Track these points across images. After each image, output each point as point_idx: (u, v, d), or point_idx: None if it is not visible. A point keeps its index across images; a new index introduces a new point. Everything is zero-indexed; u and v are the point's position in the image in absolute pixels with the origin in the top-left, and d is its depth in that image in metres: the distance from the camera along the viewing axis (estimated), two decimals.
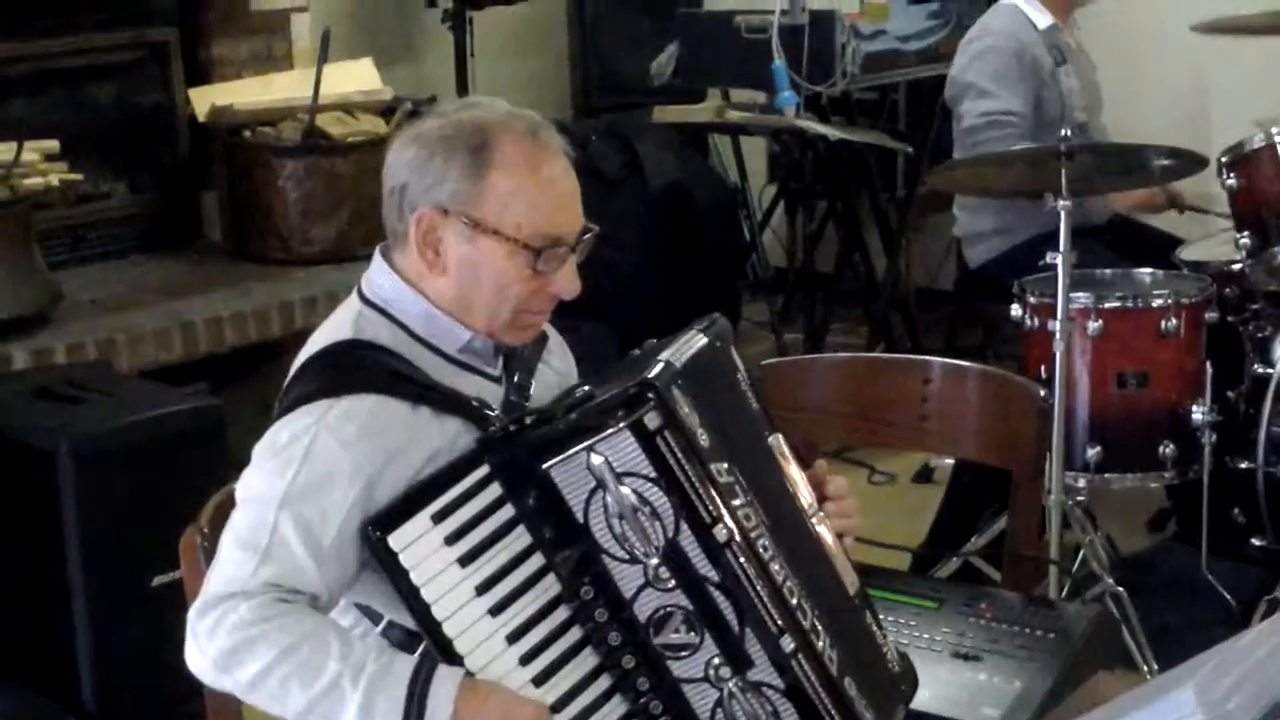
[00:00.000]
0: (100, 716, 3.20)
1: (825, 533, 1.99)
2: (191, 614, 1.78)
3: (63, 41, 4.41)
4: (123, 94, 4.63)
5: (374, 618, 1.85)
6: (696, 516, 1.76)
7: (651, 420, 1.73)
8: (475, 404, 1.87)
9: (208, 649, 1.76)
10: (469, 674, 1.76)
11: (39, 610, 3.24)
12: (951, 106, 4.20)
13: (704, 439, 1.78)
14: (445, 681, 1.73)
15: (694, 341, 1.90)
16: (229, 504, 1.87)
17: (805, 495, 1.99)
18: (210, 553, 1.86)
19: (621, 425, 1.73)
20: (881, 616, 2.05)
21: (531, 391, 1.96)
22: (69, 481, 3.13)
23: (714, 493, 1.76)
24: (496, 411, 1.88)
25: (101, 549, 3.16)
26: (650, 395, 1.74)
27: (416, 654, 1.78)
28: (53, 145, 3.94)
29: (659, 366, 1.78)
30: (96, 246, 4.51)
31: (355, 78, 4.68)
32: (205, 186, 4.73)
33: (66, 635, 3.18)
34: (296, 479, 1.78)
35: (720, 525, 1.76)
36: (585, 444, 1.74)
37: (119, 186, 4.62)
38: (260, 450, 1.84)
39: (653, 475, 1.74)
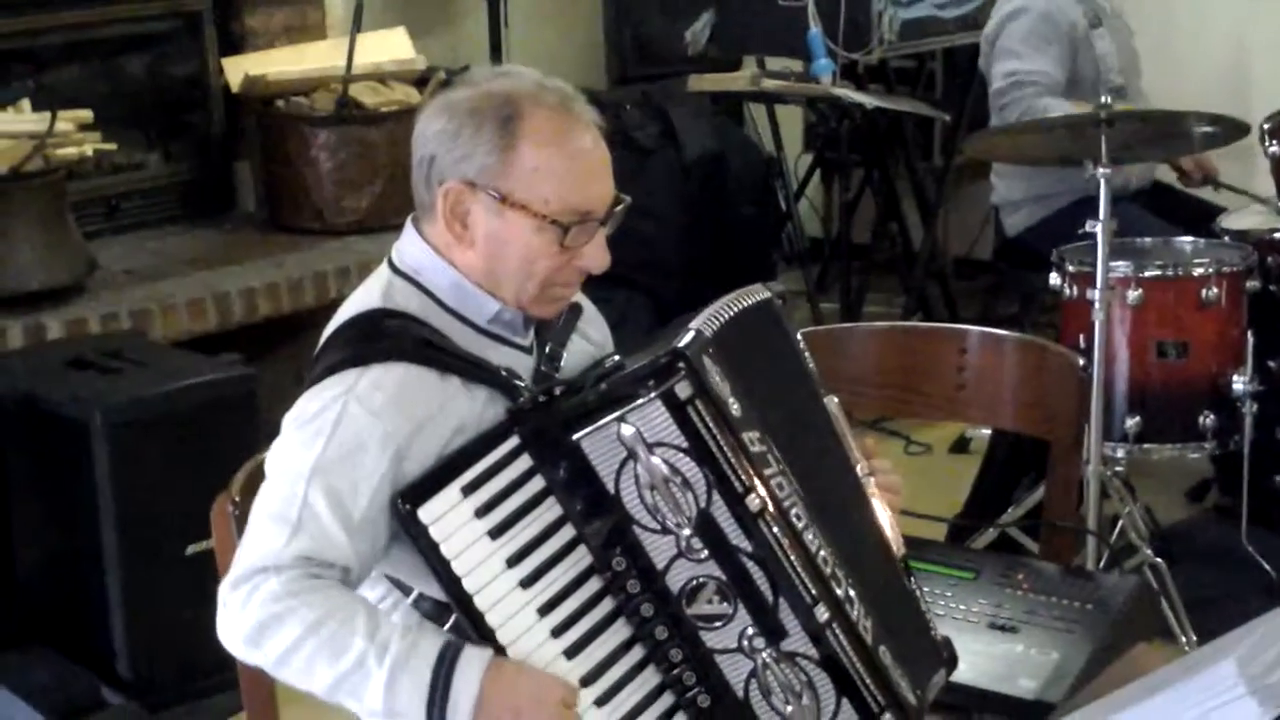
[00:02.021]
0: (135, 684, 3.21)
1: (875, 501, 1.97)
2: (223, 587, 1.78)
3: (96, 11, 4.40)
4: (156, 64, 4.63)
5: (404, 589, 1.84)
6: (728, 486, 1.74)
7: (683, 390, 1.72)
8: (504, 374, 1.86)
9: (239, 623, 1.75)
10: (498, 654, 1.74)
11: (74, 579, 3.26)
12: (984, 72, 4.17)
13: (736, 408, 1.76)
14: (471, 662, 1.72)
15: (734, 307, 1.88)
16: (261, 473, 1.86)
17: (858, 460, 1.97)
18: (242, 521, 1.86)
19: (652, 395, 1.72)
20: (922, 591, 2.03)
21: (564, 362, 1.95)
22: (103, 451, 3.14)
23: (746, 462, 1.75)
24: (526, 382, 1.87)
25: (135, 518, 3.17)
26: (681, 365, 1.72)
27: (443, 633, 1.77)
28: (86, 115, 3.94)
29: (689, 335, 1.77)
30: (130, 217, 4.50)
31: (389, 47, 4.67)
32: (239, 157, 4.73)
33: (101, 604, 3.20)
34: (326, 450, 1.77)
35: (753, 495, 1.75)
36: (616, 414, 1.73)
37: (153, 157, 4.62)
38: (289, 421, 1.83)
39: (684, 445, 1.73)
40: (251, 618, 1.74)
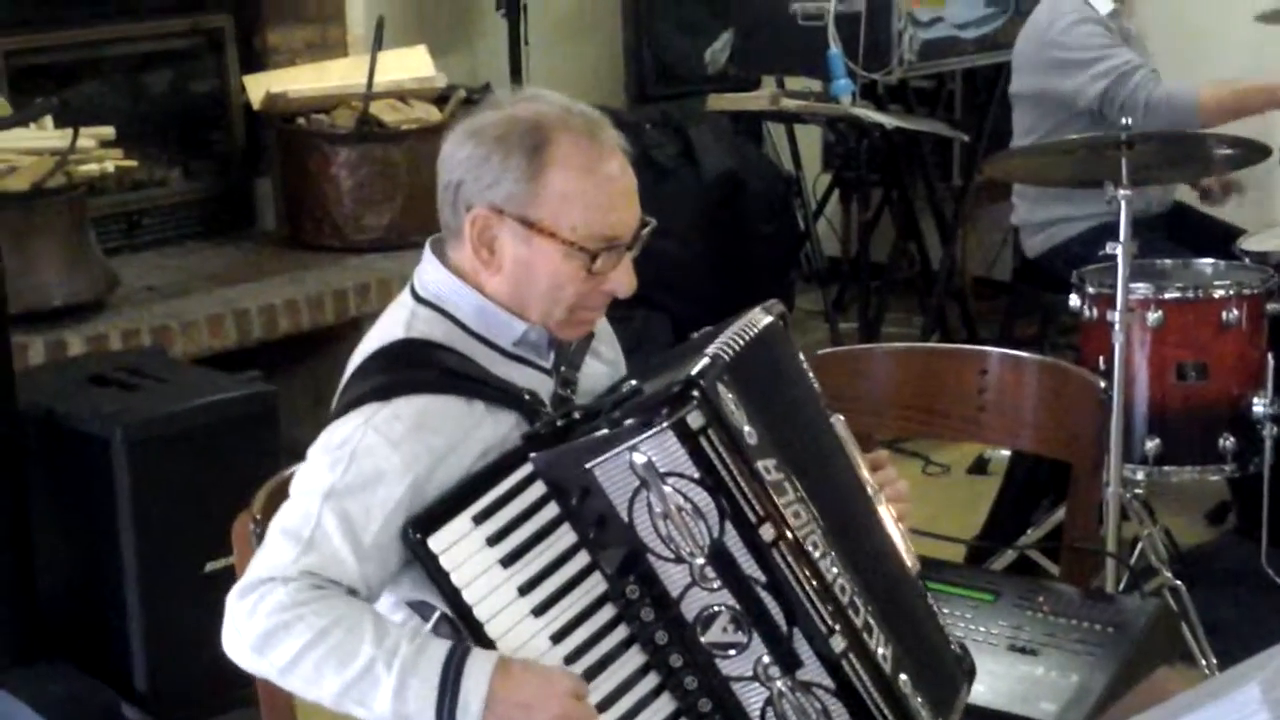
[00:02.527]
0: (153, 700, 3.21)
1: (887, 517, 1.96)
2: (231, 596, 1.79)
3: (118, 28, 4.42)
4: (178, 81, 4.64)
5: (425, 614, 1.84)
6: (742, 516, 1.73)
7: (695, 420, 1.71)
8: (528, 398, 1.86)
9: (245, 631, 1.76)
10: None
11: (93, 595, 3.26)
12: (1021, 99, 4.13)
13: (751, 436, 1.76)
14: (480, 663, 1.72)
15: (746, 330, 1.87)
16: (281, 490, 1.87)
17: (867, 479, 1.97)
18: (262, 539, 1.86)
19: (665, 425, 1.71)
20: (940, 609, 2.03)
21: (579, 385, 1.95)
22: (123, 467, 3.14)
23: (761, 491, 1.74)
24: (546, 406, 1.87)
25: (155, 534, 3.17)
26: (694, 394, 1.71)
27: (449, 639, 1.76)
28: (108, 132, 3.95)
29: (704, 362, 1.76)
30: (151, 233, 4.52)
31: (409, 65, 4.68)
32: (259, 174, 4.74)
33: (120, 620, 3.20)
34: (344, 476, 1.78)
35: (767, 524, 1.74)
36: (628, 444, 1.72)
37: (174, 173, 4.64)
38: (314, 450, 1.84)
39: (696, 475, 1.72)
40: (258, 626, 1.75)
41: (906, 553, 1.97)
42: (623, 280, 1.89)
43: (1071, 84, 3.97)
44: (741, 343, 1.84)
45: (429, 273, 1.93)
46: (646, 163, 4.74)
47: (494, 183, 1.84)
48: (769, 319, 1.92)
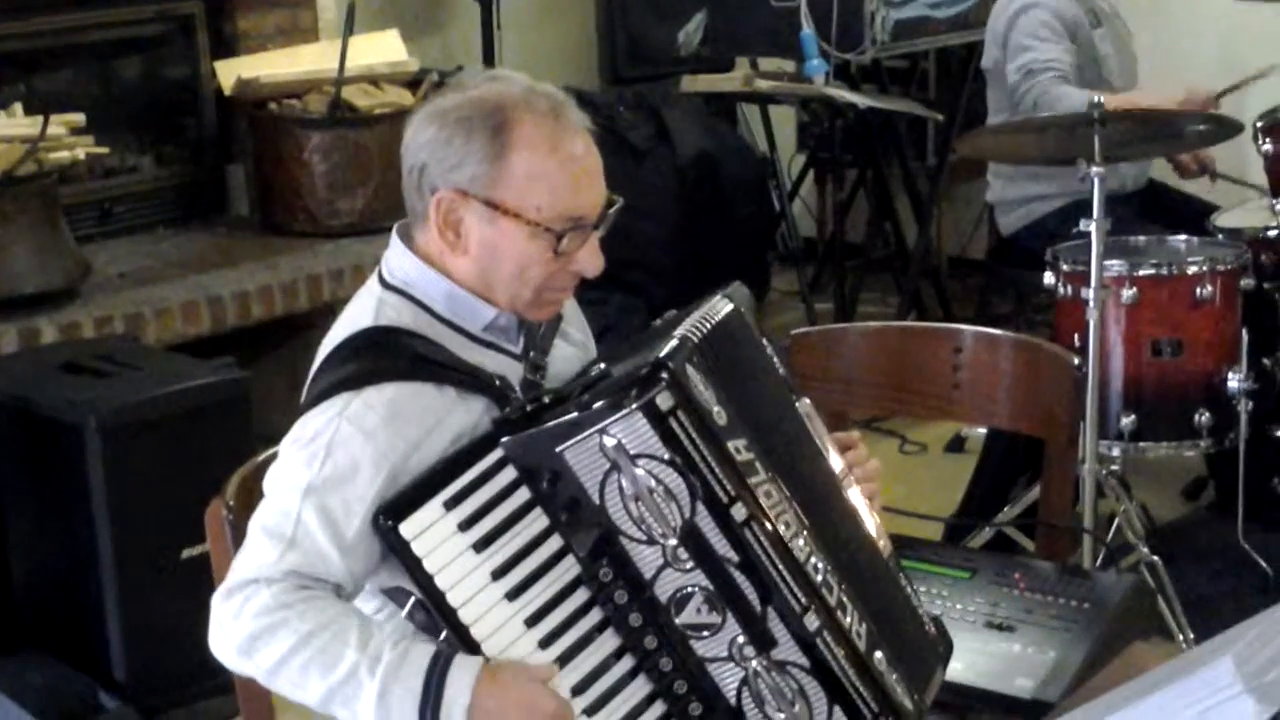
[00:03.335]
0: (131, 688, 3.20)
1: (856, 497, 1.96)
2: (216, 598, 1.78)
3: (88, 14, 4.39)
4: (148, 67, 4.62)
5: (399, 601, 1.83)
6: (713, 496, 1.73)
7: (664, 401, 1.70)
8: (498, 383, 1.85)
9: (231, 633, 1.76)
10: (489, 661, 1.74)
11: (69, 583, 3.25)
12: (989, 73, 4.15)
13: (721, 416, 1.75)
14: (462, 671, 1.72)
15: (713, 312, 1.87)
16: (255, 477, 1.87)
17: (835, 461, 1.97)
18: (236, 525, 1.86)
19: (634, 407, 1.70)
20: (914, 587, 2.03)
21: (549, 369, 1.94)
22: (97, 455, 3.13)
23: (731, 471, 1.74)
24: (516, 391, 1.86)
25: (130, 522, 3.16)
26: (663, 375, 1.71)
27: (435, 642, 1.76)
28: (79, 119, 3.93)
29: (672, 344, 1.75)
30: (123, 220, 4.49)
31: (381, 49, 4.66)
32: (231, 159, 4.72)
33: (97, 608, 3.19)
34: (321, 470, 1.77)
35: (738, 504, 1.74)
36: (598, 426, 1.72)
37: (145, 160, 4.61)
38: (286, 443, 1.83)
39: (666, 457, 1.72)
40: (244, 629, 1.74)
41: (878, 534, 1.97)
42: (590, 260, 1.88)
43: (1009, 66, 4.01)
44: (708, 326, 1.83)
45: (396, 259, 1.92)
46: (620, 145, 4.73)
47: (458, 165, 1.84)
48: (732, 305, 1.91)
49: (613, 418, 1.71)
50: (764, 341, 1.96)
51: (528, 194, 1.83)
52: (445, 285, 1.89)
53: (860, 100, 4.71)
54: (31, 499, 3.27)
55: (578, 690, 1.76)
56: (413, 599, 1.80)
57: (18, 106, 3.93)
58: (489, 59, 4.95)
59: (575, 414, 1.73)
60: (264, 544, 1.77)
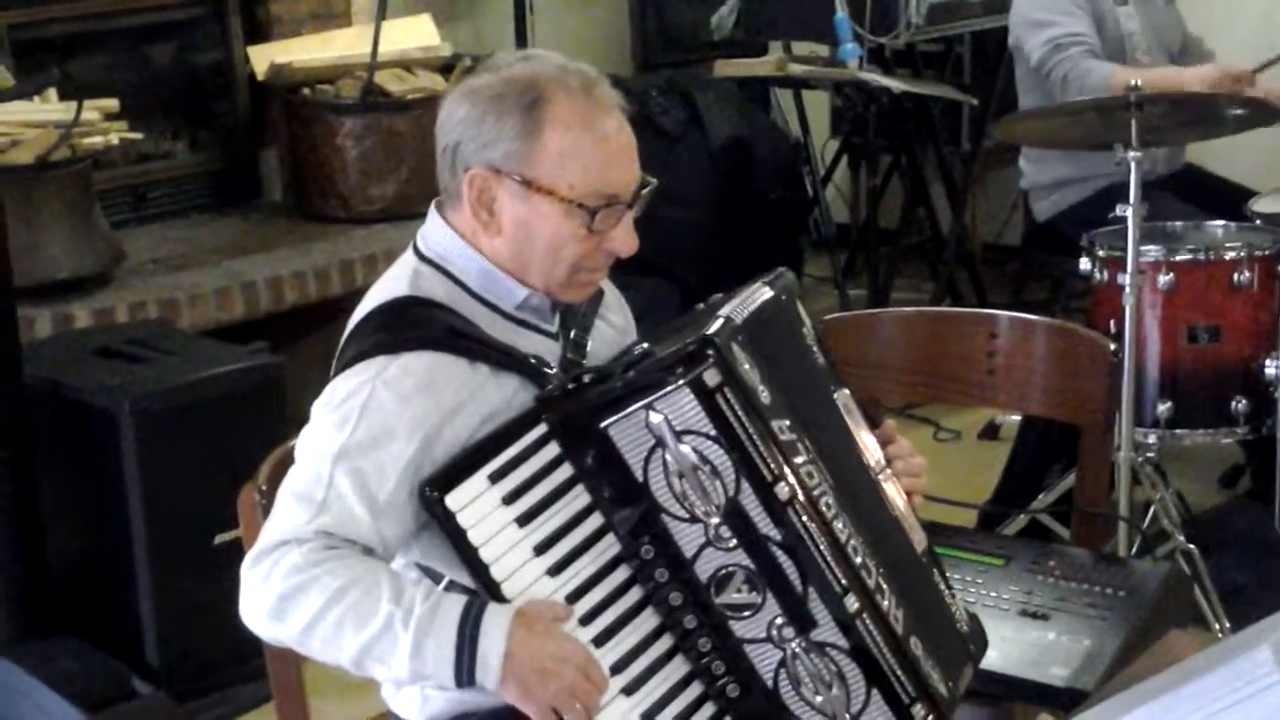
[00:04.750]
0: (164, 673, 3.21)
1: (892, 490, 1.95)
2: (245, 564, 1.77)
3: (122, 0, 4.41)
4: (182, 52, 4.63)
5: (435, 577, 1.83)
6: (757, 474, 1.73)
7: (711, 377, 1.71)
8: (533, 361, 1.85)
9: (262, 597, 1.74)
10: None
11: (103, 568, 3.26)
12: (1016, 52, 4.12)
13: (765, 396, 1.75)
14: (496, 619, 1.71)
15: (758, 295, 1.87)
16: (287, 462, 1.86)
17: (872, 452, 1.96)
18: (268, 511, 1.85)
19: (681, 383, 1.71)
20: (948, 574, 2.02)
21: (589, 348, 1.94)
22: (130, 440, 3.14)
23: (775, 450, 1.74)
24: (554, 369, 1.86)
25: (163, 507, 3.17)
26: (710, 352, 1.71)
27: (464, 595, 1.75)
28: (112, 104, 3.95)
29: (719, 322, 1.75)
30: (157, 206, 4.52)
31: (414, 34, 4.66)
32: (264, 145, 4.73)
33: (130, 593, 3.20)
34: (354, 434, 1.77)
35: (782, 483, 1.73)
36: (644, 402, 1.72)
37: (179, 145, 4.63)
38: (318, 407, 1.82)
39: (712, 433, 1.72)
40: (274, 590, 1.73)
41: (912, 529, 1.96)
42: (624, 239, 1.87)
43: (1031, 43, 3.96)
44: (753, 308, 1.83)
45: (433, 232, 1.92)
46: (653, 129, 4.71)
47: (491, 142, 1.83)
48: (776, 289, 1.90)
49: (659, 393, 1.71)
50: (806, 330, 1.95)
51: (561, 171, 1.82)
52: (480, 262, 1.88)
53: (894, 84, 4.69)
54: (65, 484, 3.28)
55: (616, 669, 1.76)
56: (446, 579, 1.81)
57: (52, 92, 3.94)
58: (521, 43, 4.94)
59: (620, 389, 1.73)
60: (294, 508, 1.76)
